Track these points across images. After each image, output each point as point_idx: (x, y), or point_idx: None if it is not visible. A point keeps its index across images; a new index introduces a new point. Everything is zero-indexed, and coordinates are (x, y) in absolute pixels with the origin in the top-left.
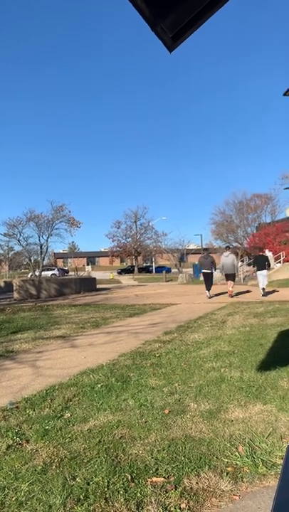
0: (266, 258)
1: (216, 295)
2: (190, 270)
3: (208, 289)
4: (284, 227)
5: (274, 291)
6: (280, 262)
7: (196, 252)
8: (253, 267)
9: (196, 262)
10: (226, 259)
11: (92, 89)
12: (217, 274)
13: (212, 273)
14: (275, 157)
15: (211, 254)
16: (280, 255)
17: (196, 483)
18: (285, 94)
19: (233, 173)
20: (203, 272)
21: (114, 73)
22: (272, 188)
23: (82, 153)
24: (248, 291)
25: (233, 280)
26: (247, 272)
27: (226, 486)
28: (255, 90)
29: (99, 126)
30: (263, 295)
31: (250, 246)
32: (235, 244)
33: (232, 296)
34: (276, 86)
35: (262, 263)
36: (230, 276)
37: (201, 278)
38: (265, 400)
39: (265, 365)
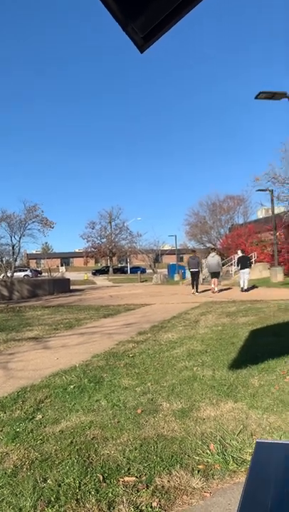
0: (248, 258)
1: (202, 291)
2: (165, 271)
3: (195, 285)
4: (256, 228)
5: (254, 286)
6: (252, 263)
7: (170, 252)
8: (237, 266)
9: (171, 263)
10: (212, 259)
11: (64, 87)
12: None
13: (199, 272)
14: (247, 159)
15: (198, 255)
16: (251, 256)
17: (168, 481)
18: (256, 97)
19: (206, 175)
20: (190, 271)
21: (76, 75)
22: (245, 189)
23: (55, 152)
24: (229, 288)
25: (218, 278)
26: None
27: (197, 484)
28: (231, 91)
29: (71, 124)
30: (244, 290)
31: (223, 247)
32: (208, 245)
33: (214, 292)
34: (250, 88)
35: (244, 263)
36: (215, 274)
37: (176, 278)
38: (236, 398)
39: (237, 364)
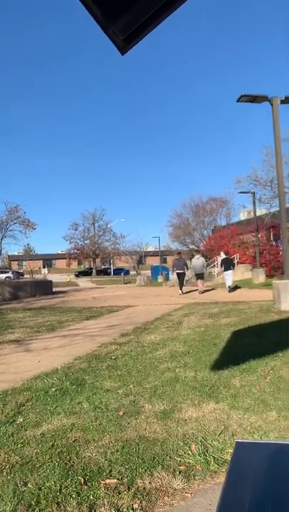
0: (231, 260)
1: (186, 292)
2: (148, 272)
3: (181, 286)
4: (238, 230)
5: (236, 286)
6: (235, 264)
7: (154, 254)
8: (221, 267)
9: (155, 264)
10: (197, 261)
11: (43, 86)
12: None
13: (184, 273)
14: (230, 161)
15: (183, 257)
16: (234, 257)
17: (149, 483)
18: (238, 101)
19: (189, 177)
20: (177, 272)
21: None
22: (228, 191)
23: (37, 153)
24: (213, 289)
25: (202, 279)
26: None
27: (179, 485)
28: (212, 94)
29: (53, 122)
30: (229, 291)
31: (206, 248)
32: (192, 246)
33: (201, 293)
34: (229, 89)
35: (228, 265)
36: (200, 276)
37: (160, 280)
38: (217, 399)
39: (219, 365)
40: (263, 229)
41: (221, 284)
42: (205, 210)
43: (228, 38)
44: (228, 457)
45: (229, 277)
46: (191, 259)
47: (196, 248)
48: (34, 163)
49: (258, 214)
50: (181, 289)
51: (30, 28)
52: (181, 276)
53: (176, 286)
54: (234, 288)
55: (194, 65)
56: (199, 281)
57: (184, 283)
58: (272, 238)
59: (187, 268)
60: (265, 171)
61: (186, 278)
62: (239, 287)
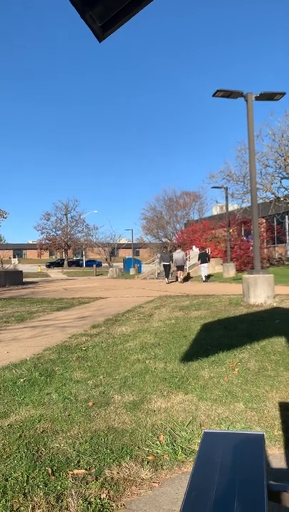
0: (207, 254)
1: (170, 282)
2: (121, 265)
3: (167, 276)
4: (210, 224)
5: (210, 275)
6: (210, 258)
7: (127, 246)
8: (198, 260)
9: (127, 256)
10: (178, 254)
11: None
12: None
13: (170, 265)
14: (206, 156)
15: (168, 252)
16: (206, 251)
17: (117, 473)
18: (214, 95)
19: (163, 170)
20: (163, 264)
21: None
22: (201, 186)
23: (9, 140)
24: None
25: (183, 270)
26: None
27: (146, 474)
28: (190, 88)
29: (29, 110)
30: (204, 281)
31: (178, 242)
32: (164, 239)
33: (182, 282)
34: (207, 84)
35: (204, 258)
36: (180, 268)
37: (132, 272)
38: (186, 390)
39: (188, 356)
40: (234, 224)
41: (196, 277)
42: (178, 203)
43: (209, 35)
44: (196, 447)
45: (205, 269)
46: (162, 252)
47: (168, 241)
48: (6, 151)
49: (230, 209)
50: (167, 277)
51: None
52: (166, 268)
53: (148, 279)
54: (208, 277)
55: (175, 60)
56: (180, 272)
57: (169, 275)
58: (243, 233)
59: (172, 261)
60: (238, 166)
61: (171, 269)
62: (212, 275)
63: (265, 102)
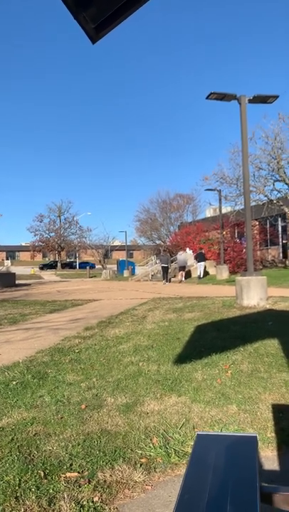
0: (204, 254)
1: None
2: (114, 267)
3: (165, 278)
4: (204, 226)
5: (207, 273)
6: (206, 258)
7: (120, 248)
8: (195, 259)
9: (121, 259)
10: (180, 256)
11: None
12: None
13: (168, 267)
14: (199, 158)
15: (168, 254)
16: (203, 252)
17: (110, 475)
18: (207, 98)
19: (157, 172)
20: (162, 266)
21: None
22: (194, 188)
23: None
24: (180, 282)
25: (184, 271)
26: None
27: (139, 477)
28: (185, 89)
29: (29, 110)
30: (199, 278)
31: (172, 244)
32: (158, 241)
33: (180, 282)
34: (203, 87)
35: (201, 257)
36: (182, 268)
37: (126, 274)
38: (180, 392)
39: (182, 359)
40: (228, 226)
41: (190, 278)
42: (172, 206)
43: (207, 35)
44: (189, 450)
45: (202, 268)
46: (157, 255)
47: (162, 243)
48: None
49: (223, 211)
50: (165, 279)
51: None
52: (165, 269)
53: (142, 281)
54: (205, 274)
55: (176, 60)
56: (181, 272)
57: (167, 276)
58: (236, 235)
59: (171, 263)
60: (232, 169)
61: (169, 271)
62: (208, 273)
63: (258, 105)
